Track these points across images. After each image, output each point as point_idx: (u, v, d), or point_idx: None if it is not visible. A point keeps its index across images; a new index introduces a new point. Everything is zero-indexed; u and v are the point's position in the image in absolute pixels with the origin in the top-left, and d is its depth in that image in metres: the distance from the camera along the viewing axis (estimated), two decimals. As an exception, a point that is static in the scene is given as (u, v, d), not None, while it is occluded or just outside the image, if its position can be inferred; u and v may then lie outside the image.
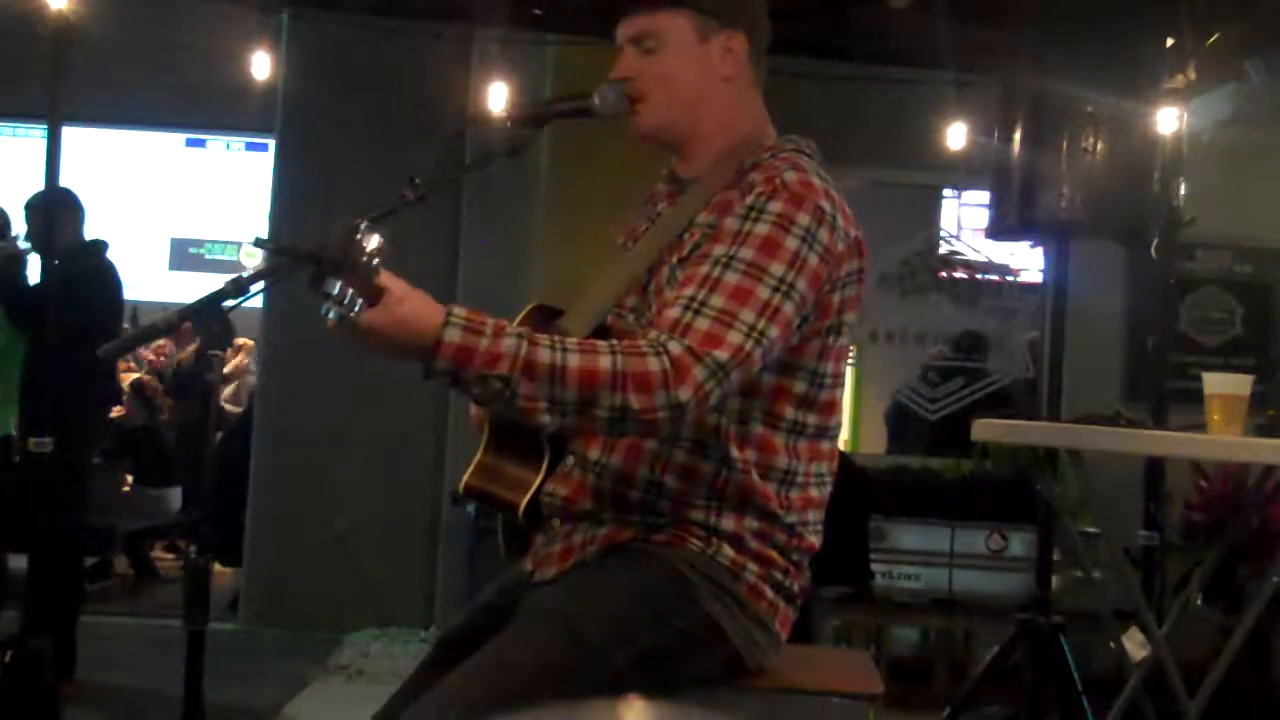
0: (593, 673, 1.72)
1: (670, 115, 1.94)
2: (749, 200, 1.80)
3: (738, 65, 1.94)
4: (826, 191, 1.82)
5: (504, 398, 1.62)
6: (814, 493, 1.91)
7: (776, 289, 1.73)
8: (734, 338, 1.69)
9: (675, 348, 1.66)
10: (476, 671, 1.73)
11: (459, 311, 1.62)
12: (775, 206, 1.77)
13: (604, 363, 1.63)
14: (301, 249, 1.61)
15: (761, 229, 1.76)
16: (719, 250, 1.76)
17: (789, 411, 1.86)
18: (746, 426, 1.83)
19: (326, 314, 1.60)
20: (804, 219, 1.77)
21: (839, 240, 1.81)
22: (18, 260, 4.70)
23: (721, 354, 1.67)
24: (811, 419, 1.88)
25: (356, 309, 1.59)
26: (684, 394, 1.64)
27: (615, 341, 1.69)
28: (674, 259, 1.88)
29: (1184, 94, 4.28)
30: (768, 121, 1.99)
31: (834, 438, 1.94)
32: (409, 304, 1.60)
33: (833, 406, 1.91)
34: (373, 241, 1.61)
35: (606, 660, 1.74)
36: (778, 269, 1.74)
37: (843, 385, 1.94)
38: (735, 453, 1.83)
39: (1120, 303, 6.06)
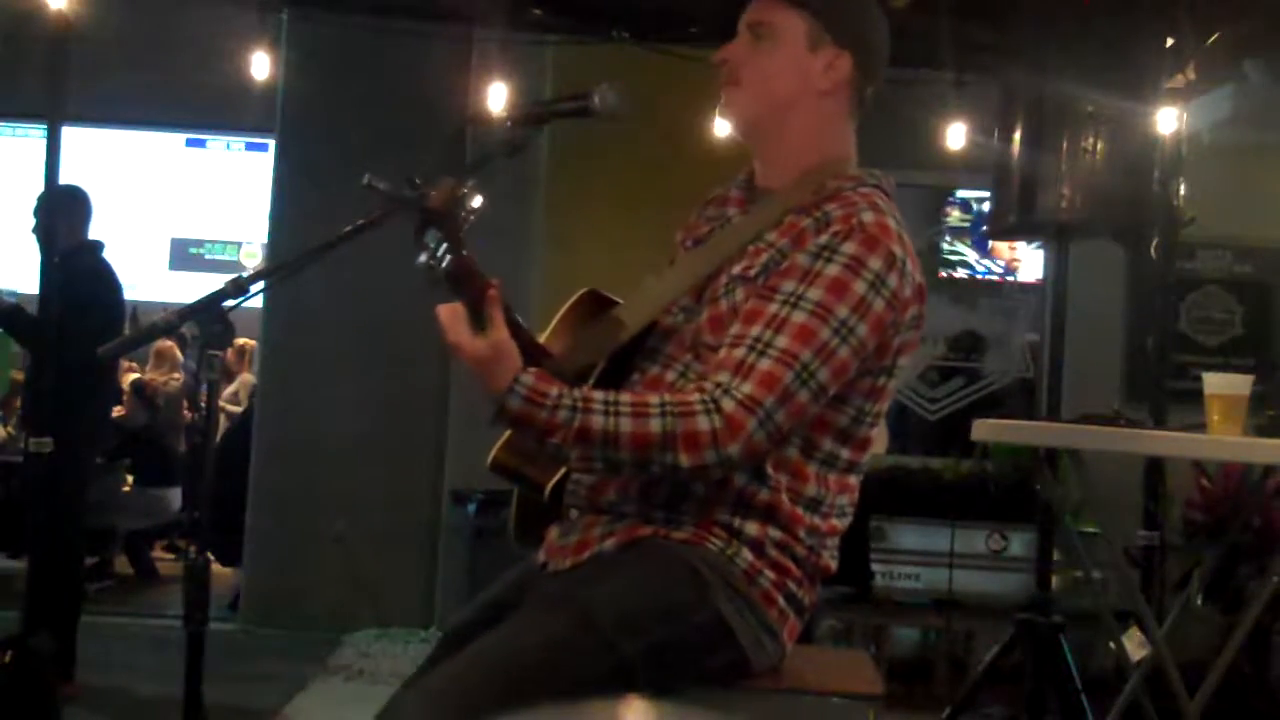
0: (600, 661, 1.72)
1: (757, 109, 1.95)
2: (823, 238, 1.81)
3: (836, 84, 1.94)
4: (900, 236, 1.84)
5: (559, 459, 1.80)
6: (836, 523, 1.92)
7: (837, 331, 1.76)
8: (787, 379, 1.73)
9: (729, 404, 1.71)
10: (484, 655, 1.73)
11: (525, 380, 1.72)
12: (849, 248, 1.79)
13: (655, 425, 1.70)
14: (408, 196, 1.73)
15: (832, 270, 1.78)
16: (788, 287, 1.78)
17: (826, 443, 1.87)
18: (783, 450, 1.84)
19: (421, 263, 1.71)
20: (875, 263, 1.79)
21: (907, 286, 1.83)
22: (9, 311, 4.66)
23: (772, 401, 1.72)
24: (845, 453, 1.89)
25: (445, 263, 1.70)
26: (733, 449, 1.71)
27: (667, 399, 1.73)
28: (735, 270, 1.88)
29: (1184, 94, 4.28)
30: (854, 152, 1.99)
31: (860, 473, 1.96)
32: (495, 351, 1.72)
33: (867, 444, 1.93)
34: (475, 200, 1.74)
35: (615, 649, 1.73)
36: (842, 311, 1.76)
37: (879, 424, 1.95)
38: (770, 470, 1.84)
39: (1120, 303, 6.06)
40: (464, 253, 1.72)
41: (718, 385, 1.73)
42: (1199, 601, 4.25)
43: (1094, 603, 3.88)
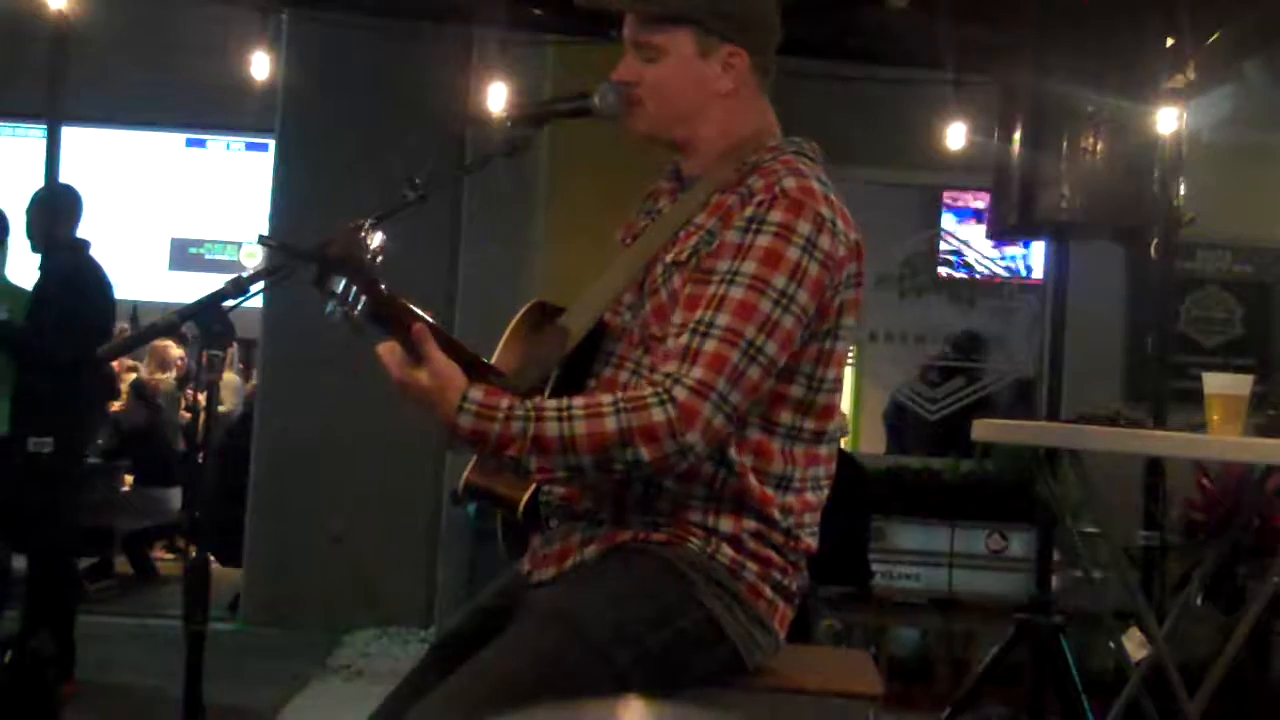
0: (595, 673, 1.72)
1: (662, 124, 1.94)
2: (748, 210, 1.80)
3: (738, 79, 1.92)
4: (826, 196, 1.83)
5: (520, 471, 1.75)
6: (810, 497, 1.91)
7: (777, 302, 1.75)
8: (734, 357, 1.73)
9: (681, 392, 1.71)
10: (478, 673, 1.73)
11: (473, 396, 1.71)
12: (775, 216, 1.78)
13: (610, 424, 1.70)
14: (305, 248, 1.70)
15: (763, 240, 1.77)
16: (723, 266, 1.78)
17: (785, 416, 1.86)
18: (743, 431, 1.83)
19: (330, 313, 1.67)
20: (804, 227, 1.78)
21: (840, 245, 1.82)
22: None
23: (722, 382, 1.72)
24: (808, 424, 1.88)
25: (360, 307, 1.67)
26: (691, 437, 1.70)
27: (620, 396, 1.72)
28: (668, 258, 1.88)
29: (1184, 94, 4.27)
30: (773, 122, 1.98)
31: (832, 441, 1.94)
32: (436, 379, 1.71)
33: (830, 411, 1.91)
34: (375, 240, 1.71)
35: (608, 660, 1.74)
36: (779, 280, 1.76)
37: (840, 390, 1.94)
38: (734, 454, 1.83)
39: (1120, 303, 6.06)
40: (382, 290, 1.69)
41: (667, 375, 1.73)
42: (1199, 601, 4.25)
43: (1094, 603, 3.88)
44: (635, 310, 1.93)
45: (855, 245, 1.86)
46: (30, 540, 4.50)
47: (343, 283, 1.66)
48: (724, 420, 1.73)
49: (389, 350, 1.75)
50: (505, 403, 1.72)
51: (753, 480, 1.83)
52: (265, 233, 1.74)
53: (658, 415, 1.69)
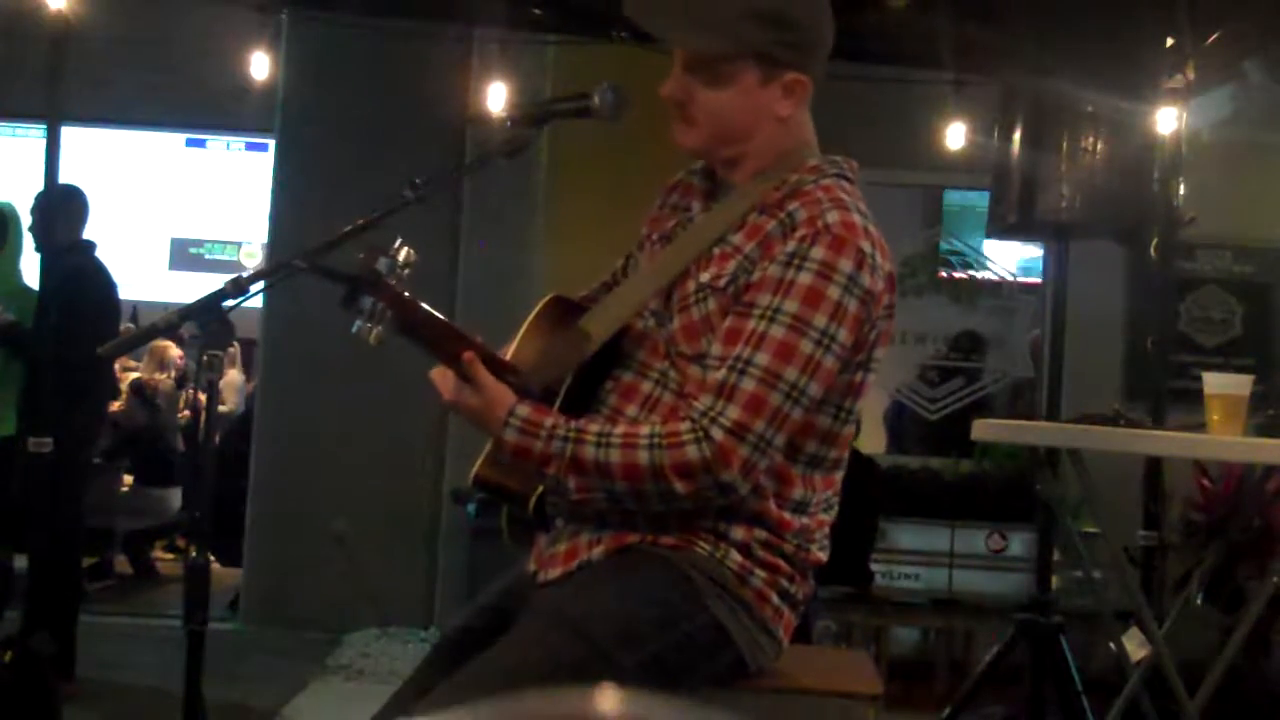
0: (599, 675, 1.71)
1: (715, 144, 1.91)
2: (790, 245, 1.78)
3: (796, 106, 1.89)
4: (866, 230, 1.81)
5: (561, 490, 1.81)
6: (823, 517, 1.92)
7: (819, 342, 1.75)
8: (776, 400, 1.74)
9: (718, 433, 1.72)
10: (483, 673, 1.73)
11: (520, 412, 1.78)
12: (818, 254, 1.77)
13: (643, 457, 1.73)
14: (337, 269, 1.76)
15: (805, 279, 1.76)
16: (763, 301, 1.77)
17: (811, 446, 1.86)
18: None
19: (356, 330, 1.76)
20: (846, 265, 1.77)
21: (879, 280, 1.81)
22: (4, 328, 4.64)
23: (762, 425, 1.73)
24: (832, 453, 1.90)
25: (387, 321, 1.75)
26: (728, 475, 1.73)
27: (657, 431, 1.75)
28: (704, 277, 1.85)
29: (1184, 94, 4.27)
30: (812, 135, 1.94)
31: (844, 467, 1.95)
32: (486, 399, 1.80)
33: (848, 439, 1.92)
34: (403, 254, 1.77)
35: (613, 662, 1.73)
36: (820, 321, 1.75)
37: (859, 417, 1.95)
38: (761, 480, 1.82)
39: (1120, 303, 6.06)
40: (413, 303, 1.79)
41: (704, 413, 1.73)
42: (1199, 601, 4.26)
43: (1094, 603, 3.88)
44: (661, 319, 1.91)
45: (890, 277, 1.85)
46: (33, 541, 4.50)
47: (370, 301, 1.73)
48: (763, 458, 1.75)
49: (441, 375, 1.85)
50: (550, 421, 1.77)
51: (772, 505, 1.84)
52: (294, 260, 1.75)
53: (692, 454, 1.72)
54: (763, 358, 1.74)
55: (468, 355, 1.79)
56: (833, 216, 1.80)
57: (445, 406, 1.85)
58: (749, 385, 1.73)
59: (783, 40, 1.84)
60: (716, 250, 1.86)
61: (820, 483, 1.89)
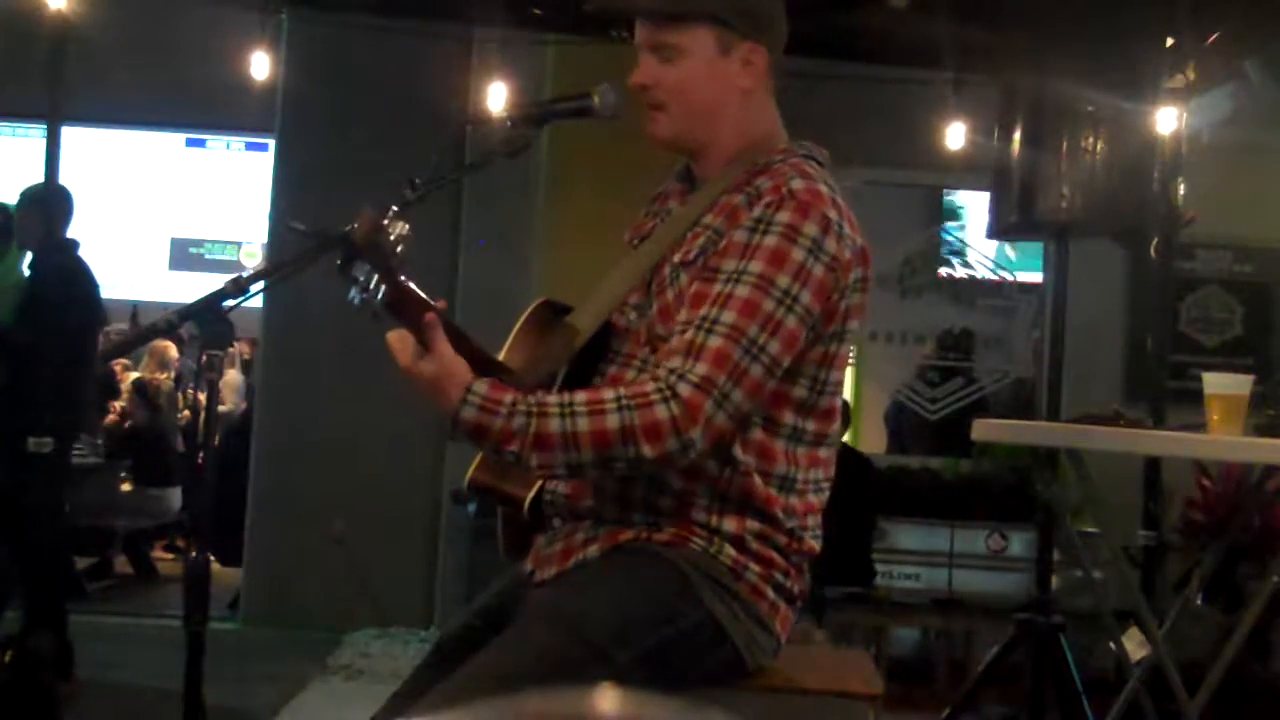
0: (595, 673, 1.71)
1: (687, 125, 1.93)
2: (756, 211, 1.81)
3: (757, 77, 1.92)
4: (833, 200, 1.83)
5: (521, 466, 1.76)
6: (813, 499, 1.91)
7: (780, 301, 1.76)
8: (736, 354, 1.73)
9: (685, 389, 1.70)
10: (480, 673, 1.73)
11: (478, 389, 1.72)
12: (782, 217, 1.79)
13: (612, 421, 1.70)
14: (330, 233, 1.72)
15: (769, 241, 1.78)
16: (729, 265, 1.78)
17: (788, 417, 1.86)
18: (747, 431, 1.84)
19: (352, 299, 1.70)
20: (811, 229, 1.78)
21: (846, 249, 1.82)
22: None
23: (725, 379, 1.72)
24: (810, 425, 1.89)
25: (381, 294, 1.69)
26: (694, 433, 1.70)
27: (623, 392, 1.72)
28: (676, 258, 1.88)
29: (1184, 94, 4.28)
30: (780, 124, 1.98)
31: (832, 445, 1.94)
32: (441, 369, 1.72)
33: (832, 414, 1.92)
34: (398, 228, 1.72)
35: (609, 660, 1.73)
36: (783, 280, 1.76)
37: (840, 393, 1.94)
38: (738, 454, 1.83)
39: (1120, 303, 6.06)
40: (400, 280, 1.72)
41: (671, 371, 1.73)
42: (1199, 601, 4.26)
43: (1094, 603, 3.88)
44: (642, 311, 1.93)
45: (861, 250, 1.86)
46: (21, 538, 4.50)
47: (365, 269, 1.69)
48: (725, 418, 1.73)
49: (399, 338, 1.75)
50: (509, 398, 1.72)
51: (757, 480, 1.83)
52: (290, 222, 1.73)
53: (661, 413, 1.70)
54: (728, 315, 1.74)
55: (429, 316, 1.72)
56: (797, 184, 1.82)
57: (400, 374, 1.76)
58: (715, 342, 1.73)
59: (738, 6, 1.89)
60: (689, 234, 1.89)
61: (804, 458, 1.88)
